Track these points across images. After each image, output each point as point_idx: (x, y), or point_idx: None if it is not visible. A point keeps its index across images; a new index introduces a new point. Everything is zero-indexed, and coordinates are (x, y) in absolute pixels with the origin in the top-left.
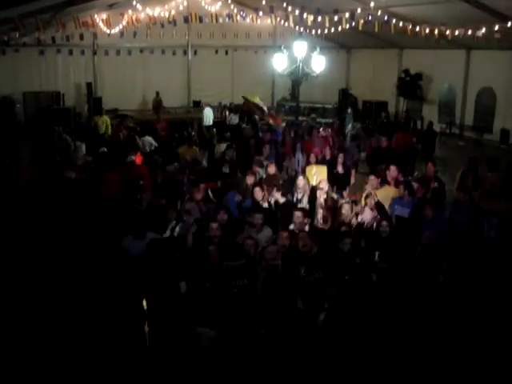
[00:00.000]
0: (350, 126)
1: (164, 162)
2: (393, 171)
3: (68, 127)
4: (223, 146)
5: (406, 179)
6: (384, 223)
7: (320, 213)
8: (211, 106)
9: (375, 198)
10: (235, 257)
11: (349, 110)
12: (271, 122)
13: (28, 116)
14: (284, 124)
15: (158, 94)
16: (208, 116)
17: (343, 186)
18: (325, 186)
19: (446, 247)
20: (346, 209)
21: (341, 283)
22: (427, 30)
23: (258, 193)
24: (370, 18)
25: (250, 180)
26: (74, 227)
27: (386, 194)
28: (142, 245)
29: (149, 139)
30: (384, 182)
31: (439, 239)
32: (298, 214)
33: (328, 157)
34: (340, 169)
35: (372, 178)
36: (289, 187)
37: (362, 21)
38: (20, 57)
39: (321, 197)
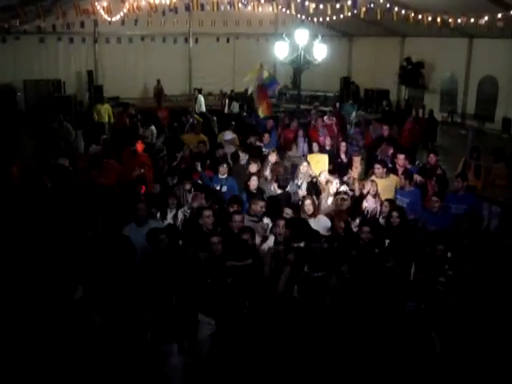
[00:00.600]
0: (353, 114)
1: (168, 150)
2: (400, 159)
3: (69, 115)
4: (228, 134)
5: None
6: (395, 213)
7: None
8: (212, 94)
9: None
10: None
11: (350, 101)
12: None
13: (29, 104)
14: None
15: (158, 81)
16: (200, 103)
17: (345, 174)
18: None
19: (450, 237)
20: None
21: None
22: (429, 18)
23: (254, 182)
24: (372, 5)
25: (253, 168)
26: (67, 215)
27: (389, 184)
28: (144, 233)
29: (152, 129)
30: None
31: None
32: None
33: (329, 146)
34: (343, 157)
35: (378, 166)
36: (290, 176)
37: (363, 8)
38: (20, 45)
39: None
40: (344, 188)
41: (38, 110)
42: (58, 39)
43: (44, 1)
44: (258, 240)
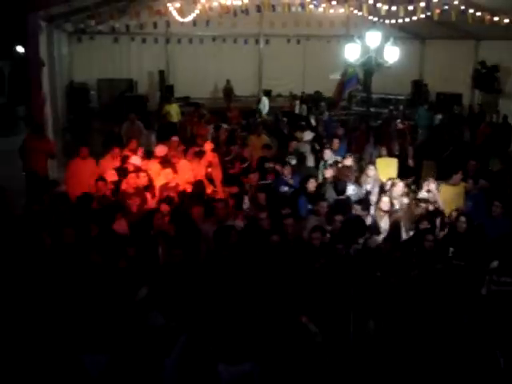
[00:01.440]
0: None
1: None
2: (471, 165)
3: (141, 114)
4: (308, 134)
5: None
6: (462, 218)
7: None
8: (282, 96)
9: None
10: None
11: (425, 106)
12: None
13: (102, 103)
14: None
15: (228, 81)
16: (265, 105)
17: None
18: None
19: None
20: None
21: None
22: (506, 21)
23: (312, 184)
24: (446, 7)
25: (328, 173)
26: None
27: (460, 191)
28: None
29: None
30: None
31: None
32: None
33: (397, 151)
34: (411, 162)
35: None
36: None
37: (437, 10)
38: (95, 44)
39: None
40: (425, 195)
41: (110, 108)
42: (131, 39)
43: (118, 2)
44: None
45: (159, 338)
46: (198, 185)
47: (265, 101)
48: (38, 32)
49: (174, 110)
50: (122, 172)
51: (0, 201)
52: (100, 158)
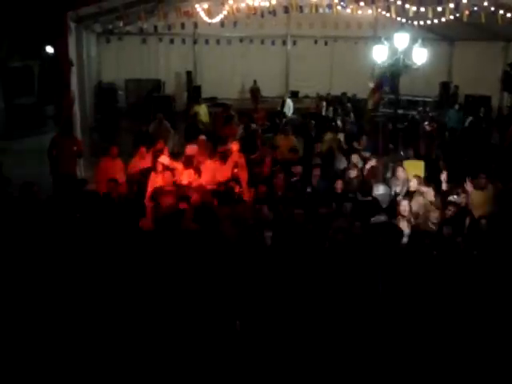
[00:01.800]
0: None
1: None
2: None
3: (168, 114)
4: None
5: None
6: (484, 220)
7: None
8: (309, 97)
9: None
10: None
11: (456, 106)
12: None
13: (129, 103)
14: None
15: (255, 82)
16: (290, 107)
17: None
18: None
19: None
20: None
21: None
22: None
23: (340, 185)
24: (475, 8)
25: (352, 174)
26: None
27: (489, 195)
28: None
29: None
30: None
31: None
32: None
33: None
34: (442, 164)
35: (482, 176)
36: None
37: (466, 12)
38: (123, 45)
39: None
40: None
41: (137, 108)
42: (159, 40)
43: (147, 3)
44: None
45: None
46: (227, 187)
47: (289, 103)
48: (68, 32)
49: (202, 111)
50: (149, 171)
51: (28, 195)
52: (127, 157)
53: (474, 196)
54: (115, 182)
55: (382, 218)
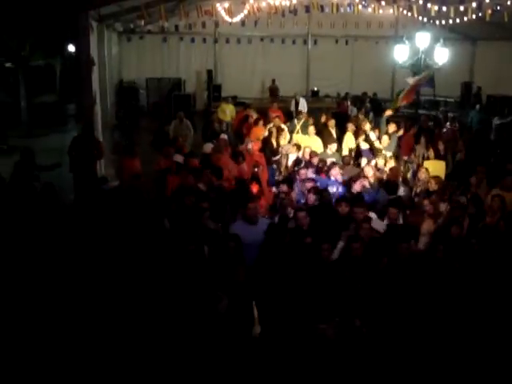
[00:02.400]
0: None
1: None
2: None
3: (188, 113)
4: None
5: None
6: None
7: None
8: (330, 96)
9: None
10: None
11: (477, 107)
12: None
13: (150, 101)
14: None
15: (273, 81)
16: (304, 106)
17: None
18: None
19: None
20: None
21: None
22: None
23: (358, 185)
24: (498, 8)
25: (369, 172)
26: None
27: None
28: (255, 230)
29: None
30: None
31: None
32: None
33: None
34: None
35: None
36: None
37: (489, 11)
38: (144, 44)
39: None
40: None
41: (158, 107)
42: (180, 39)
43: (168, 2)
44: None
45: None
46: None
47: (304, 103)
48: (89, 31)
49: (229, 110)
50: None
51: (48, 196)
52: (147, 155)
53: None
54: (139, 177)
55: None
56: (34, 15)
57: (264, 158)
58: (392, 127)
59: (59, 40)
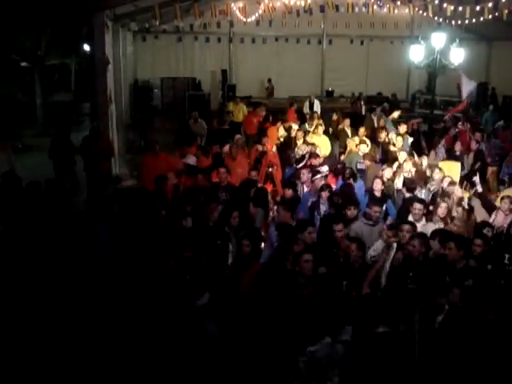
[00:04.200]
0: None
1: None
2: None
3: (203, 113)
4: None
5: None
6: None
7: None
8: (344, 97)
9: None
10: None
11: (490, 107)
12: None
13: (164, 101)
14: None
15: (270, 80)
16: (318, 106)
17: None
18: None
19: None
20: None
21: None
22: None
23: (378, 185)
24: None
25: (388, 173)
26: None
27: None
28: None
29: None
30: None
31: None
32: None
33: (459, 152)
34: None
35: None
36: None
37: (506, 10)
38: (159, 43)
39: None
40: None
41: (172, 106)
42: (195, 39)
43: (182, 2)
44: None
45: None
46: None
47: (318, 104)
48: (104, 31)
49: (238, 110)
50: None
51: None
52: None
53: None
54: (164, 178)
55: None
56: (49, 15)
57: (278, 157)
58: (403, 128)
59: (75, 39)
